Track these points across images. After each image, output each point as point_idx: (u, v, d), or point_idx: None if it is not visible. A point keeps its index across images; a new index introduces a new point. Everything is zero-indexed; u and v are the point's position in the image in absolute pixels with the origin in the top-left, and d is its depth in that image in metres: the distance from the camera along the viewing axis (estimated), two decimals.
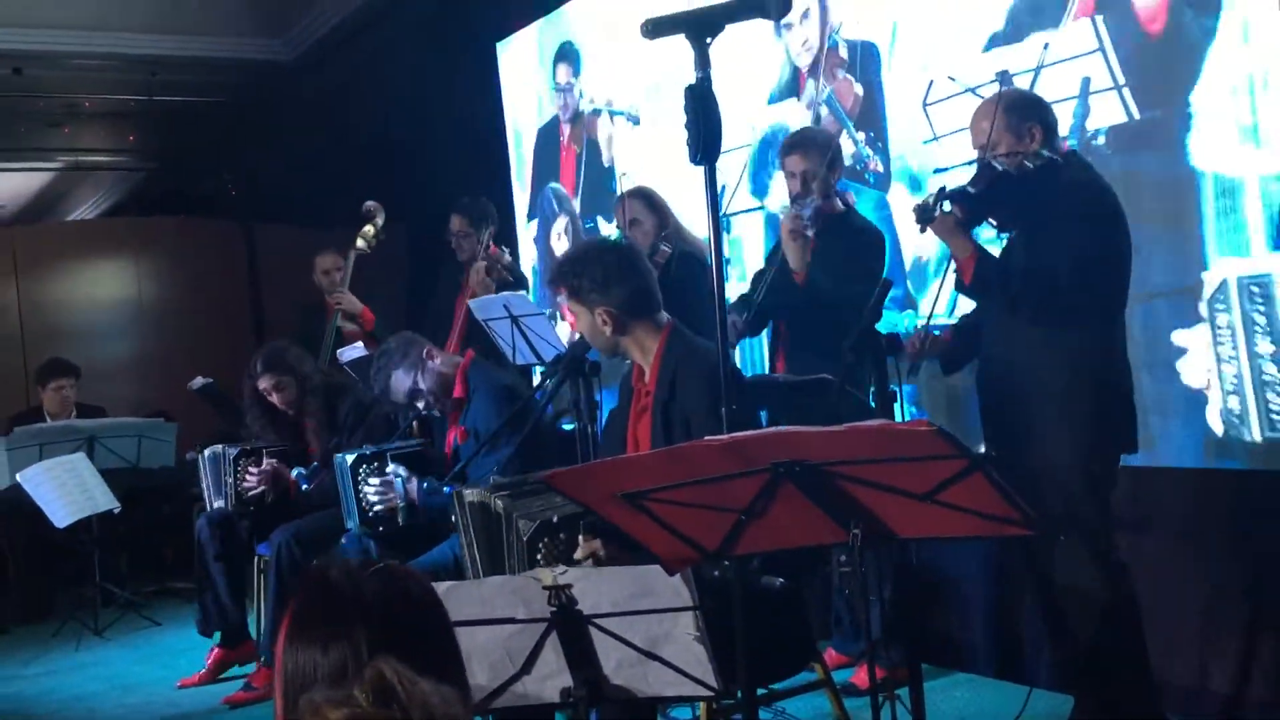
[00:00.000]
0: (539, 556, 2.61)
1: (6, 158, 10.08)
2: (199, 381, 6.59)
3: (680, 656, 2.33)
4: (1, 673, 5.25)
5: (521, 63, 7.21)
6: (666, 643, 2.33)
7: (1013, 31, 4.16)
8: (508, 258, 5.42)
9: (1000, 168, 3.10)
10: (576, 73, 6.80)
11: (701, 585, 2.29)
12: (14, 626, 6.08)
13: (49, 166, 10.57)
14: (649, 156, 5.99)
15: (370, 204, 5.93)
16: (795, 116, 5.08)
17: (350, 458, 3.99)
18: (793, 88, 5.16)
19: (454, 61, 7.55)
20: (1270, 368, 3.37)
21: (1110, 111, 3.79)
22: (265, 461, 4.75)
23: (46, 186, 11.29)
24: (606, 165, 6.58)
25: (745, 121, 5.24)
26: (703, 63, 2.21)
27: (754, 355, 5.18)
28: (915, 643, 3.06)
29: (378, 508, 3.84)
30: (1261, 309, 3.42)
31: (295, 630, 1.48)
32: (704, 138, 2.16)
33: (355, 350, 5.48)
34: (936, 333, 3.30)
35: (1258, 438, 3.42)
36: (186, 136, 9.62)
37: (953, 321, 3.61)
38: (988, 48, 4.24)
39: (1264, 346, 3.39)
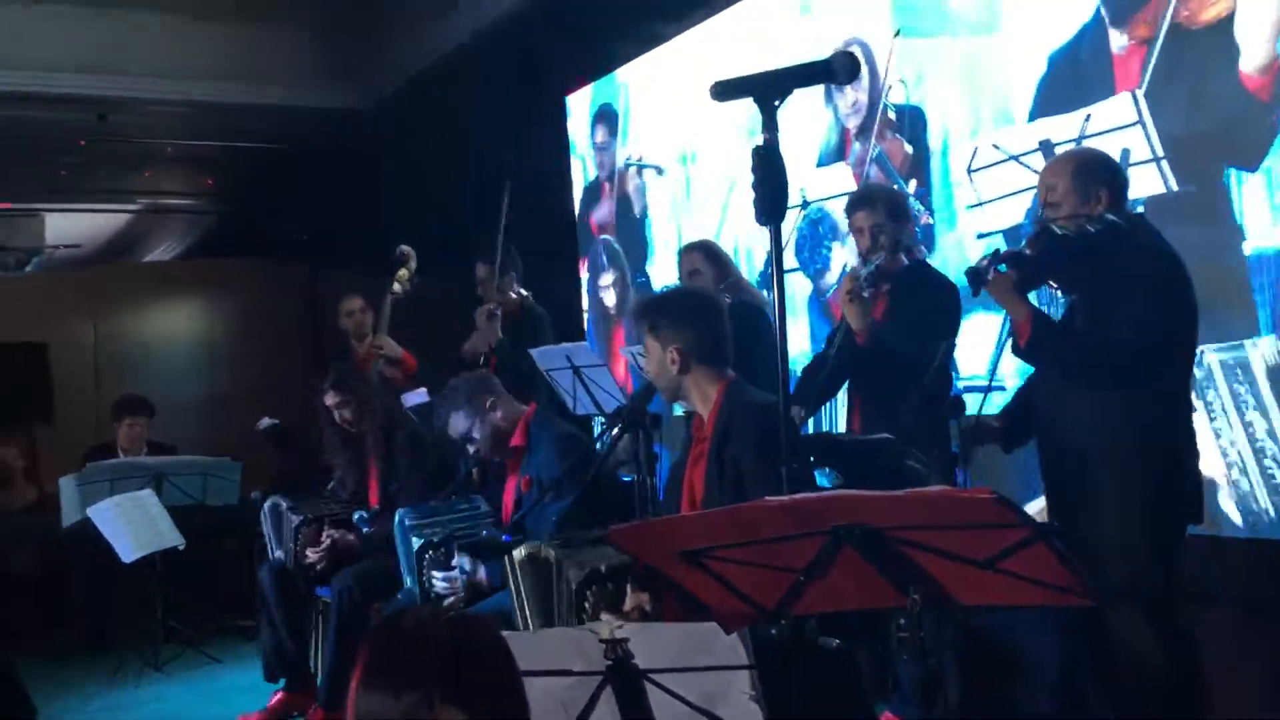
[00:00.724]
0: (587, 604, 2.63)
1: (88, 199, 10.39)
2: (265, 422, 6.72)
3: (736, 715, 2.32)
4: (64, 705, 5.32)
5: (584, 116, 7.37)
6: (722, 701, 2.33)
7: (1057, 102, 4.26)
8: (515, 295, 5.45)
9: (1059, 231, 3.08)
10: (613, 133, 6.99)
11: (758, 643, 2.29)
12: (77, 659, 6.17)
13: (128, 208, 10.88)
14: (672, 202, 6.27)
15: (403, 248, 6.03)
16: (842, 178, 5.12)
17: (417, 542, 3.97)
18: (840, 151, 5.30)
19: (525, 113, 7.68)
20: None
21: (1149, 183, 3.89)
22: (326, 533, 4.80)
23: (125, 228, 11.61)
24: (638, 215, 6.72)
25: (795, 185, 5.32)
26: (770, 125, 2.24)
27: (832, 411, 5.17)
28: (976, 708, 3.02)
29: (442, 595, 3.85)
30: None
31: (368, 676, 1.51)
32: (770, 199, 2.19)
33: (418, 396, 5.56)
34: (992, 421, 3.27)
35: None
36: (260, 182, 9.85)
37: (1003, 406, 3.56)
38: (1032, 118, 4.29)
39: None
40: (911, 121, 4.94)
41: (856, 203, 4.05)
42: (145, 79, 7.79)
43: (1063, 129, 4.16)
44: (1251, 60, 3.69)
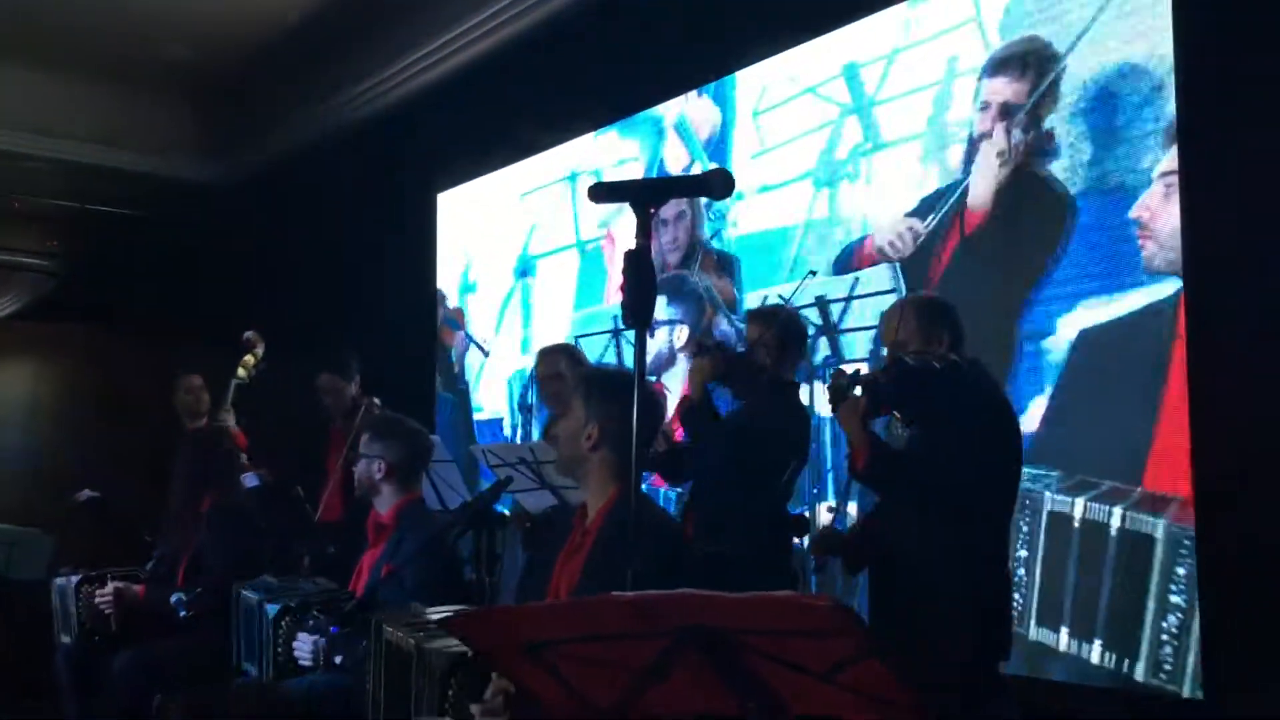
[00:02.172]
0: (450, 693, 2.54)
1: None
2: (85, 494, 6.38)
3: None
4: None
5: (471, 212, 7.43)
6: None
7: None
8: (377, 409, 5.38)
9: (910, 362, 3.22)
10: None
11: None
12: None
13: None
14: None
15: (250, 333, 5.93)
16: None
17: (273, 609, 3.80)
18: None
19: (394, 210, 7.66)
20: None
21: None
22: (110, 584, 4.59)
23: None
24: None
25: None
26: (643, 230, 2.29)
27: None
28: None
29: (306, 663, 3.66)
30: None
31: None
32: (639, 302, 2.23)
33: (251, 479, 5.38)
34: (840, 529, 3.36)
35: None
36: (111, 246, 9.54)
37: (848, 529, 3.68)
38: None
39: None
40: (730, 265, 5.58)
41: (752, 316, 4.24)
42: (5, 130, 7.54)
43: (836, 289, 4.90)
44: None
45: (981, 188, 4.43)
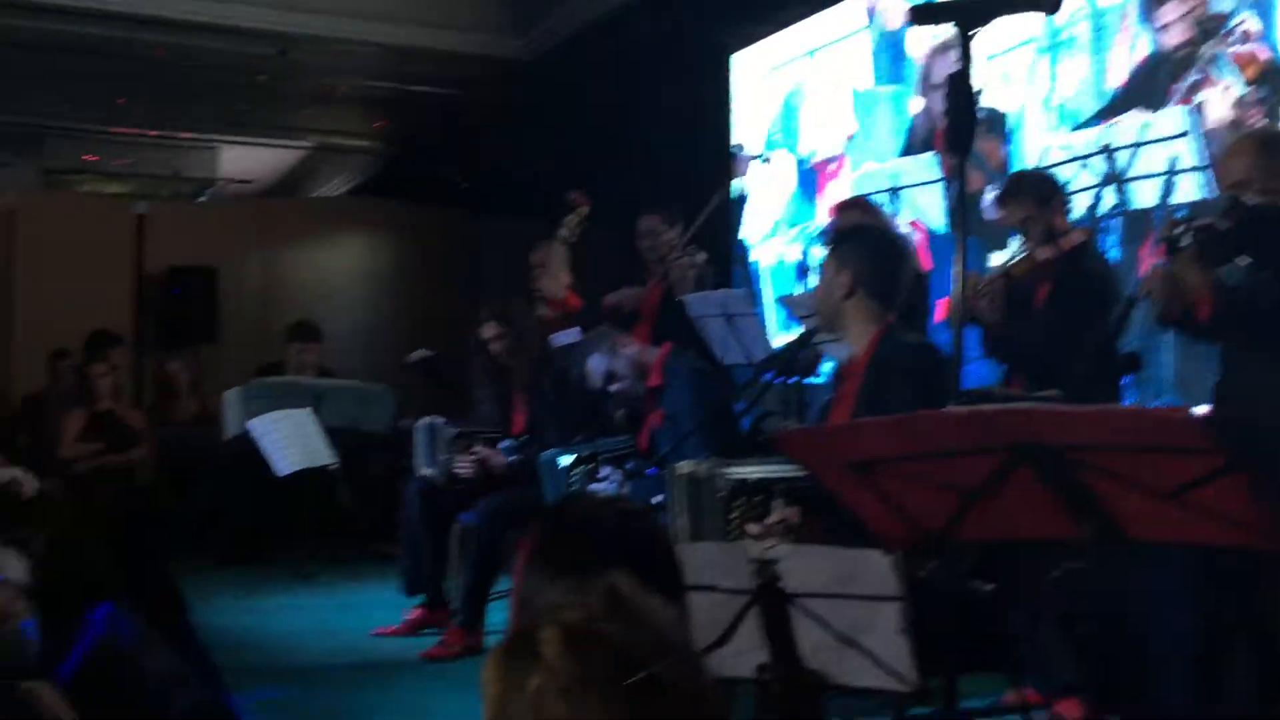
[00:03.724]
0: (733, 516, 2.64)
1: (263, 134, 10.78)
2: (417, 354, 6.89)
3: (880, 647, 2.30)
4: (218, 605, 5.57)
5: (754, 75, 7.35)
6: (868, 632, 2.31)
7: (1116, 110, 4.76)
8: (701, 256, 5.42)
9: (1252, 203, 2.97)
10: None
11: (907, 582, 2.26)
12: (231, 566, 6.47)
13: (299, 145, 11.24)
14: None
15: (575, 194, 6.08)
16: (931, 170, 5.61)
17: (565, 459, 4.07)
18: (928, 143, 5.68)
19: (688, 70, 7.67)
20: None
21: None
22: (478, 447, 4.93)
23: (297, 164, 12.01)
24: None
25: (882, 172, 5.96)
26: (965, 54, 2.20)
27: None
28: (1112, 691, 2.93)
29: None
30: None
31: (533, 557, 1.55)
32: (960, 128, 2.16)
33: (570, 335, 5.63)
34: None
35: None
36: (428, 126, 10.07)
37: None
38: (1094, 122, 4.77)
39: None
40: (993, 123, 5.29)
41: (999, 200, 4.00)
42: (327, 17, 8.02)
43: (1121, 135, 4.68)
44: None
45: None
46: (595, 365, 4.24)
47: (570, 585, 1.50)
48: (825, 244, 3.11)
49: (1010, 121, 5.31)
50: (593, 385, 4.33)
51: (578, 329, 5.56)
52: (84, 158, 11.60)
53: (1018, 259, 3.81)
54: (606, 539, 1.57)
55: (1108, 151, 4.65)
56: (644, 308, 5.46)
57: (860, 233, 3.13)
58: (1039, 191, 3.89)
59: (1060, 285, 3.77)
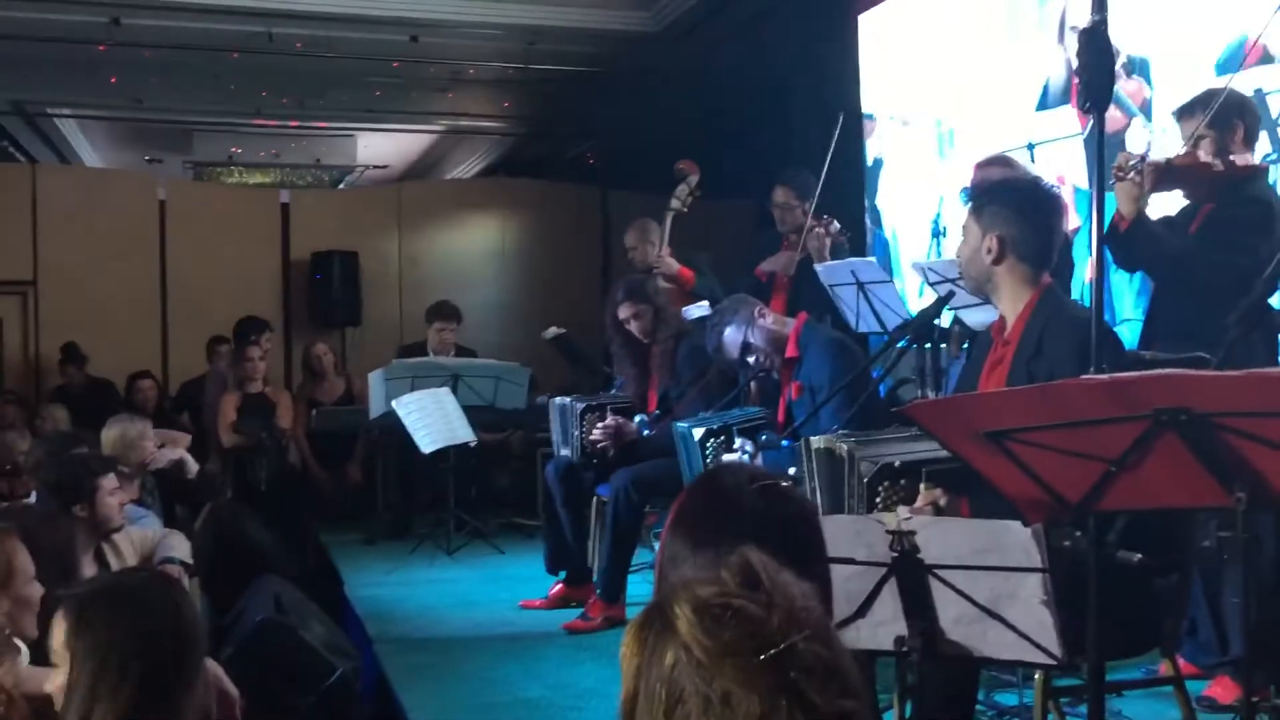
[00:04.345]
0: (878, 500, 2.61)
1: (397, 120, 11.04)
2: (552, 331, 6.99)
3: (1023, 619, 2.26)
4: (366, 579, 5.78)
5: (883, 37, 7.21)
6: (1010, 603, 2.27)
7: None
8: (836, 225, 5.36)
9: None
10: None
11: (1051, 555, 2.21)
12: (380, 541, 6.69)
13: (432, 129, 11.48)
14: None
15: (683, 163, 6.03)
16: (1068, 121, 5.39)
17: (698, 431, 4.09)
18: (1065, 93, 5.50)
19: (816, 34, 7.57)
20: None
21: None
22: (610, 417, 4.98)
23: (430, 147, 12.27)
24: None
25: (1018, 128, 5.76)
26: (1100, 6, 2.13)
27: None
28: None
29: None
30: None
31: (676, 522, 1.57)
32: (1096, 82, 2.08)
33: (700, 308, 5.64)
34: None
35: None
36: (556, 104, 10.16)
37: None
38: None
39: None
40: (1140, 67, 5.06)
41: (1179, 113, 3.81)
42: (454, 1, 8.15)
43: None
44: None
45: None
46: (731, 337, 4.23)
47: (709, 558, 1.51)
48: (969, 204, 2.89)
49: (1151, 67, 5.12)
50: (729, 357, 4.32)
51: (705, 303, 5.58)
52: (231, 150, 12.07)
53: (1181, 152, 3.59)
54: (750, 513, 1.58)
55: (1260, 96, 4.43)
56: (779, 279, 5.43)
57: (1005, 190, 2.88)
58: (1205, 106, 3.66)
59: (1221, 207, 3.60)
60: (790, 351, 4.20)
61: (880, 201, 7.20)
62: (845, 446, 2.77)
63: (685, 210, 6.02)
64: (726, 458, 3.91)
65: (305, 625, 4.02)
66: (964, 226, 2.88)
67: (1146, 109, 5.08)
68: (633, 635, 1.23)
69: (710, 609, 1.18)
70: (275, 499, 6.67)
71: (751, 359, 4.28)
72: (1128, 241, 3.47)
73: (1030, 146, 5.61)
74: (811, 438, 2.98)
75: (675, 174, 6.05)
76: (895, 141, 7.08)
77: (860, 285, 4.72)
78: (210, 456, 7.26)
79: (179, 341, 8.91)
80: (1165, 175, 3.53)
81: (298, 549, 6.04)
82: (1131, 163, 3.50)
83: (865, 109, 7.25)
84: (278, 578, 4.44)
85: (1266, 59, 4.43)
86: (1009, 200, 2.79)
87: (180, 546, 4.04)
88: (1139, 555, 2.56)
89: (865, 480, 2.63)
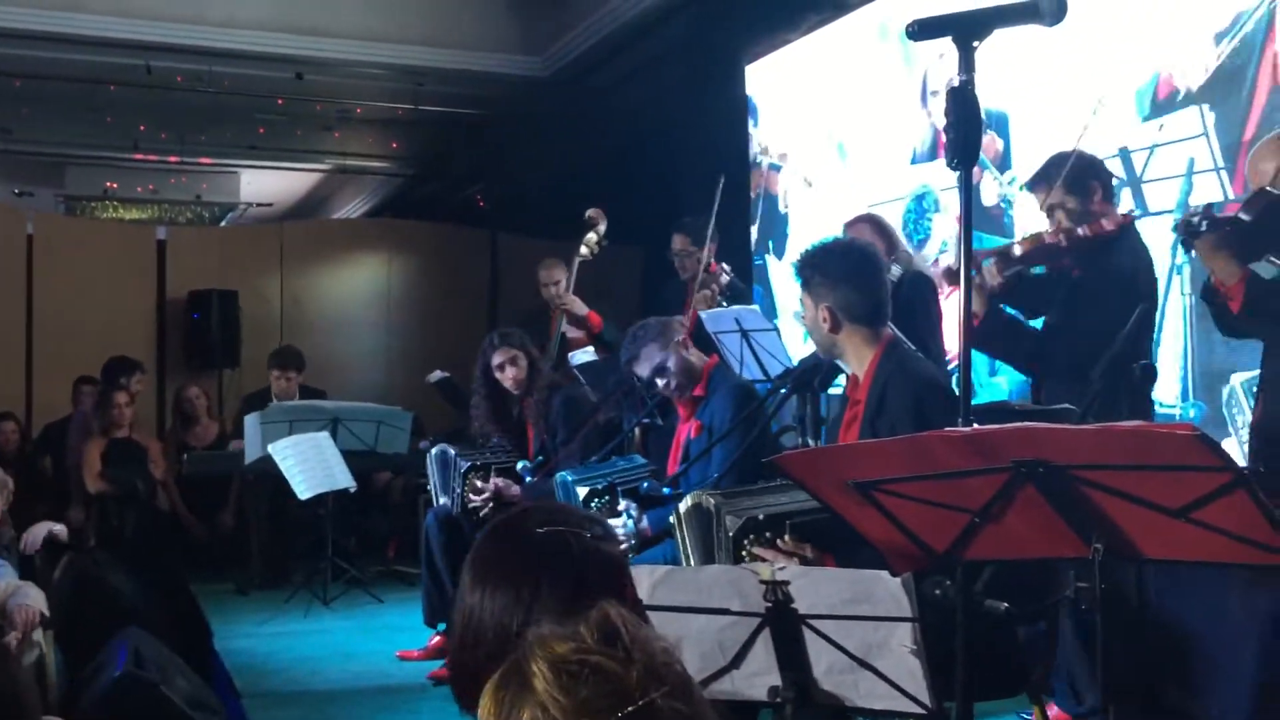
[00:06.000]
0: (744, 554, 2.60)
1: (282, 158, 10.86)
2: (436, 375, 6.91)
3: (894, 669, 2.27)
4: (237, 630, 5.59)
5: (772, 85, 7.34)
6: (881, 653, 2.28)
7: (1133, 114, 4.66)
8: (726, 277, 5.41)
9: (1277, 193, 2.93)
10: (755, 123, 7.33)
11: (921, 602, 2.23)
12: (253, 590, 6.48)
13: (318, 168, 11.32)
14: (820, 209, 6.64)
15: (592, 211, 6.04)
16: (940, 174, 5.69)
17: (582, 490, 4.01)
18: (933, 151, 5.79)
19: (704, 83, 7.67)
20: None
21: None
22: (493, 479, 4.89)
23: (316, 186, 12.09)
24: (782, 212, 7.16)
25: (893, 180, 6.05)
26: (967, 66, 2.17)
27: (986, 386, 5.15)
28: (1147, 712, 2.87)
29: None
30: None
31: (471, 572, 1.51)
32: (964, 141, 2.13)
33: (586, 354, 5.62)
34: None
35: None
36: (445, 146, 10.11)
37: None
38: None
39: None
40: (997, 124, 5.34)
41: (1029, 187, 3.93)
42: (342, 40, 8.08)
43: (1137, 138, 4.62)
44: None
45: None
46: (650, 355, 4.16)
47: (508, 599, 1.47)
48: (797, 279, 2.98)
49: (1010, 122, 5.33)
50: (637, 371, 4.25)
51: (591, 348, 5.56)
52: (106, 185, 11.73)
53: (1025, 237, 3.68)
54: (537, 551, 1.52)
55: (1124, 155, 4.61)
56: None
57: (824, 258, 2.94)
58: (1075, 176, 3.68)
59: (1088, 277, 3.66)
60: (699, 390, 4.17)
61: (771, 247, 7.30)
62: (712, 501, 2.76)
63: (592, 257, 6.01)
64: (612, 521, 3.84)
65: (167, 680, 3.84)
66: (799, 300, 2.98)
67: (1000, 162, 5.28)
68: (489, 695, 1.18)
69: (567, 666, 1.15)
70: (142, 547, 6.42)
71: (661, 382, 4.23)
72: (985, 336, 3.51)
73: (919, 197, 5.75)
74: (680, 502, 2.95)
75: (585, 221, 6.04)
76: (788, 188, 7.17)
77: (744, 333, 4.76)
78: (72, 503, 6.97)
79: (44, 382, 8.54)
80: (1015, 262, 3.63)
81: (165, 599, 5.80)
82: (984, 261, 3.61)
83: (771, 156, 7.31)
84: (141, 630, 4.25)
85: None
86: (830, 270, 2.89)
87: (35, 599, 3.85)
88: (1005, 604, 2.62)
89: (730, 534, 2.62)
